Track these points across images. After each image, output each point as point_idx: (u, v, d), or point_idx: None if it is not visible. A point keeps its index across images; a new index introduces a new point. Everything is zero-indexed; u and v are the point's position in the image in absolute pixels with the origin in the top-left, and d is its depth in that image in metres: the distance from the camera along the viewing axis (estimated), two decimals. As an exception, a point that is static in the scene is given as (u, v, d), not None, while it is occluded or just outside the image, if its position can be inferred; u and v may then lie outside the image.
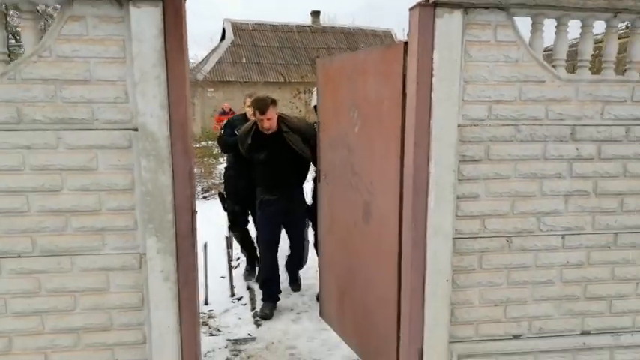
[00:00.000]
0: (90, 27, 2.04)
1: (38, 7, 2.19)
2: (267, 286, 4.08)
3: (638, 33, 2.46)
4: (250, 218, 4.67)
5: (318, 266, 3.78)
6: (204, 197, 8.29)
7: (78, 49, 2.05)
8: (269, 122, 3.72)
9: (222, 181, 5.05)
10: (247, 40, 23.80)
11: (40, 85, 2.06)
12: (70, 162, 2.14)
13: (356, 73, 2.86)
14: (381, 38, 25.48)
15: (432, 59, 2.25)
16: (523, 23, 2.42)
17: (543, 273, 2.55)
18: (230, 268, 4.60)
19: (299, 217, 4.18)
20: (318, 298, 3.97)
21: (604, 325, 2.65)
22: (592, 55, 2.51)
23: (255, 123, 3.87)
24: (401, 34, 23.28)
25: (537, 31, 2.39)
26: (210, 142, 12.04)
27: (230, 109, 13.58)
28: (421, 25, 2.23)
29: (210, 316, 3.98)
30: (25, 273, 2.19)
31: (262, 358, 3.34)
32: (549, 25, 2.45)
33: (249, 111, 4.24)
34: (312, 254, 4.53)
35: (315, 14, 26.11)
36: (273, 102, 3.74)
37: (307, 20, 26.16)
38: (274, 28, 24.96)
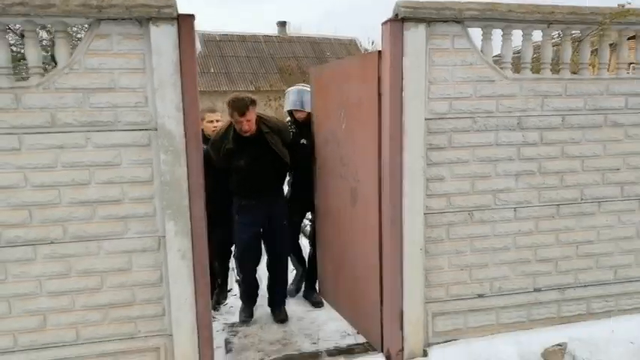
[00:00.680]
0: (114, 43, 2.40)
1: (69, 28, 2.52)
2: (244, 291, 3.90)
3: (567, 40, 2.99)
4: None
5: (317, 250, 4.07)
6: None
7: (104, 62, 2.40)
8: (249, 124, 3.41)
9: None
10: (215, 50, 24.03)
11: (71, 94, 2.40)
12: (97, 159, 2.47)
13: (342, 79, 3.31)
14: (346, 46, 26.12)
15: (402, 65, 2.70)
16: (477, 32, 2.92)
17: (500, 241, 3.03)
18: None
19: (281, 224, 3.77)
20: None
21: (552, 283, 3.16)
22: (533, 57, 3.03)
23: (230, 126, 3.52)
24: (366, 42, 23.97)
25: (487, 40, 2.88)
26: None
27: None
28: (392, 37, 2.68)
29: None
30: (58, 257, 2.51)
31: (258, 336, 3.68)
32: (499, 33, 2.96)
33: (208, 127, 3.85)
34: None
35: (282, 24, 26.58)
36: (253, 102, 3.43)
37: (274, 30, 26.60)
38: (242, 39, 25.27)
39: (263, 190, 3.65)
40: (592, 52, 3.21)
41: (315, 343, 3.45)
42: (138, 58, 2.43)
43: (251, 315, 3.86)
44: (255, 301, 3.95)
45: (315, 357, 3.17)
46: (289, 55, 24.93)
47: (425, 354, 2.96)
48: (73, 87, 2.40)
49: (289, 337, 3.51)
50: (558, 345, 2.94)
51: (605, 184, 3.14)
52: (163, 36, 2.39)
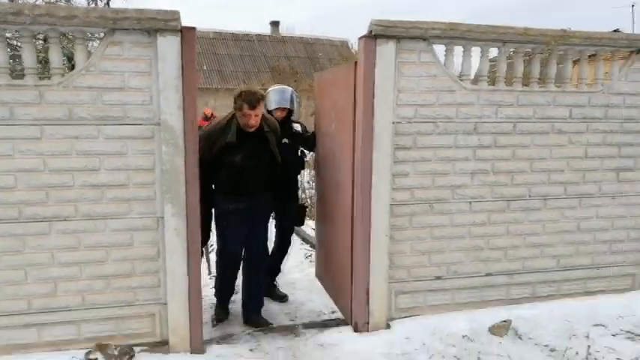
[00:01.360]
0: (126, 49, 2.79)
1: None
2: (221, 298, 3.91)
3: (519, 57, 3.44)
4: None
5: (316, 235, 4.51)
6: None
7: (116, 66, 2.79)
8: (256, 119, 3.36)
9: None
10: (208, 47, 24.33)
11: (87, 92, 2.79)
12: (107, 148, 2.86)
13: (332, 84, 3.77)
14: (338, 48, 26.56)
15: (374, 75, 3.13)
16: (441, 48, 3.35)
17: (456, 230, 3.47)
18: (207, 250, 5.30)
19: (263, 230, 3.76)
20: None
21: (502, 268, 3.60)
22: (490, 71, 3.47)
23: (232, 119, 3.45)
24: (356, 43, 24.37)
25: (449, 55, 3.32)
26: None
27: (212, 114, 13.24)
28: (366, 51, 3.11)
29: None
30: (69, 232, 2.89)
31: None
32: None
33: None
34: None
35: (275, 24, 26.94)
36: (263, 97, 3.42)
37: (267, 30, 26.94)
38: (235, 37, 25.59)
39: (254, 190, 3.56)
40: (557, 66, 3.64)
41: (292, 320, 3.87)
42: (145, 63, 2.82)
43: (227, 313, 3.89)
44: (229, 299, 3.97)
45: (292, 329, 3.58)
46: (281, 54, 25.31)
47: (388, 327, 3.39)
48: (88, 86, 2.78)
49: (271, 316, 3.90)
50: (504, 321, 3.38)
51: (550, 184, 3.59)
52: (168, 45, 2.78)
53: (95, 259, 2.95)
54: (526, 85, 3.50)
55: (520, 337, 3.27)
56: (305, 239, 5.89)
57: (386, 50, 3.12)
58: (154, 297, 3.06)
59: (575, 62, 3.58)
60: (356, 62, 3.26)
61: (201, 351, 3.13)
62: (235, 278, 3.85)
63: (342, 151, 3.52)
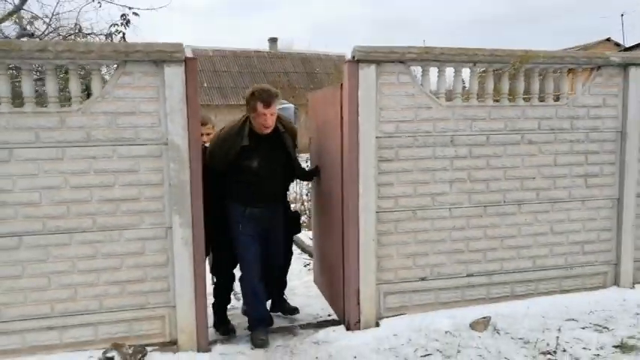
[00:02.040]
0: (136, 79, 3.15)
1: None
2: (256, 308, 3.63)
3: (490, 75, 3.81)
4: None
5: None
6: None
7: (128, 93, 3.15)
8: (271, 119, 3.22)
9: None
10: (208, 65, 24.88)
11: (102, 116, 3.15)
12: (121, 166, 3.21)
13: (323, 103, 4.14)
14: (335, 62, 27.08)
15: (358, 95, 3.48)
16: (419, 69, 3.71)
17: (438, 234, 3.79)
18: (207, 256, 5.61)
19: (281, 233, 3.71)
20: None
21: (481, 269, 3.92)
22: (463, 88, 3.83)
23: (245, 122, 3.32)
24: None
25: (426, 75, 3.68)
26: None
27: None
28: (350, 74, 3.47)
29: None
30: (88, 243, 3.22)
31: (241, 317, 4.35)
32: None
33: (204, 140, 3.67)
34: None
35: (273, 40, 27.52)
36: (277, 96, 3.26)
37: (265, 46, 27.52)
38: (234, 54, 26.17)
39: (271, 196, 3.47)
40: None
41: (291, 323, 4.17)
42: (154, 90, 3.18)
43: (267, 332, 3.66)
44: (267, 312, 3.84)
45: (291, 329, 3.88)
46: (280, 70, 25.87)
47: (377, 325, 3.69)
48: (104, 111, 3.14)
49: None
50: (484, 318, 3.68)
51: (523, 190, 3.93)
52: (174, 74, 3.15)
53: (111, 267, 3.27)
54: (497, 101, 3.85)
55: (498, 332, 3.57)
56: (304, 249, 6.22)
57: (368, 73, 3.48)
58: (164, 300, 3.38)
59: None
60: (342, 84, 3.62)
61: (207, 349, 3.44)
62: (259, 286, 3.65)
63: (333, 164, 3.86)
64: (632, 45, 17.47)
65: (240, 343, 3.66)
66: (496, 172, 3.85)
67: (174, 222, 3.29)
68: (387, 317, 3.74)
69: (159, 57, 3.13)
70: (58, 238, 3.17)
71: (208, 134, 3.79)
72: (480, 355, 3.24)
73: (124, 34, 6.04)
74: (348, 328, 3.71)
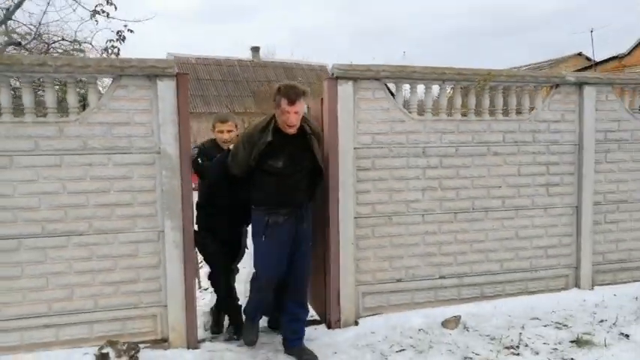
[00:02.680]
0: (131, 92, 3.38)
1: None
2: (256, 310, 3.55)
3: (457, 92, 4.13)
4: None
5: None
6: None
7: (123, 105, 3.38)
8: (296, 117, 3.08)
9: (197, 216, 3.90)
10: (191, 73, 24.99)
11: (99, 127, 3.37)
12: (116, 173, 3.42)
13: (309, 115, 4.35)
14: (317, 72, 27.46)
15: (337, 109, 3.77)
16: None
17: (412, 239, 4.08)
18: (197, 264, 5.81)
19: (308, 242, 3.47)
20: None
21: (453, 272, 4.22)
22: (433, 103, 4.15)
23: (270, 121, 3.19)
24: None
25: (399, 91, 4.00)
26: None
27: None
28: (329, 90, 3.76)
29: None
30: (84, 245, 3.41)
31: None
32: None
33: (218, 137, 3.75)
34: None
35: (255, 49, 27.81)
36: (305, 93, 3.11)
37: (247, 53, 27.78)
38: (217, 62, 26.34)
39: (295, 201, 3.29)
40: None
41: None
42: (147, 102, 3.42)
43: (258, 331, 3.58)
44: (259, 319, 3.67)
45: (275, 329, 4.10)
46: (263, 79, 26.12)
47: (356, 323, 3.95)
48: (100, 122, 3.37)
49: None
50: (454, 316, 3.97)
51: (490, 198, 4.25)
52: (166, 87, 3.39)
53: (106, 268, 3.47)
54: (464, 115, 4.18)
55: (467, 330, 3.86)
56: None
57: (346, 89, 3.77)
58: (156, 300, 3.58)
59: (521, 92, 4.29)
60: (322, 98, 3.90)
61: (196, 347, 3.64)
62: (271, 299, 3.51)
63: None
64: (600, 60, 18.28)
65: (228, 341, 3.87)
66: (465, 181, 4.17)
67: (166, 226, 3.51)
68: (365, 316, 4.00)
69: (152, 72, 3.37)
70: (56, 240, 3.36)
71: (229, 131, 3.72)
72: (450, 350, 3.52)
73: (118, 49, 6.30)
74: (329, 327, 3.96)
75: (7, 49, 7.19)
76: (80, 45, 7.27)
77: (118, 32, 6.31)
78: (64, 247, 3.38)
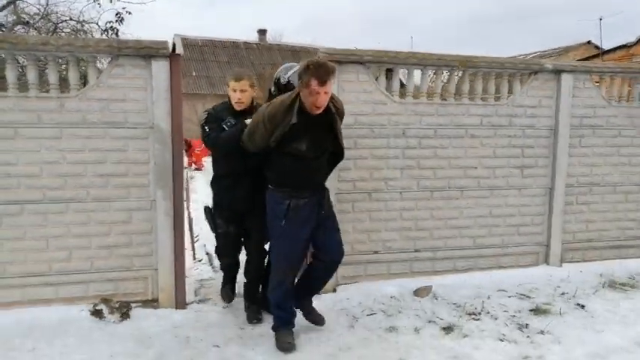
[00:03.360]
0: (127, 70, 3.64)
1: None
2: (284, 309, 3.28)
3: (439, 77, 4.35)
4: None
5: None
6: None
7: (119, 82, 3.64)
8: (325, 98, 2.89)
9: (213, 192, 3.72)
10: (197, 54, 25.19)
11: (97, 102, 3.63)
12: (112, 146, 3.69)
13: None
14: (323, 56, 27.45)
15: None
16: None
17: (390, 214, 4.35)
18: (192, 238, 6.13)
19: (334, 220, 3.34)
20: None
21: (427, 246, 4.49)
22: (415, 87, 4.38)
23: (295, 98, 2.93)
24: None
25: (381, 75, 4.21)
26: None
27: None
28: (314, 71, 3.99)
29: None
30: (82, 211, 3.70)
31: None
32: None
33: (232, 97, 3.36)
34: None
35: (262, 32, 27.86)
36: (334, 71, 2.90)
37: (254, 37, 27.85)
38: (223, 44, 26.49)
39: (316, 184, 3.17)
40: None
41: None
42: (142, 80, 3.67)
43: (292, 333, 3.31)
44: (294, 315, 3.41)
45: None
46: (268, 62, 26.21)
47: (334, 291, 4.24)
48: (98, 98, 3.63)
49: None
50: (426, 286, 4.25)
51: (466, 178, 4.50)
52: (160, 67, 3.64)
53: (102, 233, 3.76)
54: (444, 99, 4.40)
55: (437, 298, 4.14)
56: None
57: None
58: (147, 263, 3.88)
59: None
60: (308, 80, 4.13)
61: (184, 307, 3.96)
62: (291, 293, 3.33)
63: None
64: (609, 49, 18.25)
65: (215, 304, 4.18)
66: (442, 162, 4.41)
67: (157, 196, 3.79)
68: (343, 284, 4.29)
69: (147, 52, 3.62)
70: (56, 207, 3.65)
71: (243, 91, 3.35)
72: (417, 315, 3.81)
73: (117, 30, 6.54)
74: (309, 294, 4.26)
75: (15, 29, 7.45)
76: (84, 26, 7.54)
77: (117, 14, 6.55)
78: (64, 212, 3.67)
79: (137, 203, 3.80)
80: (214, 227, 3.75)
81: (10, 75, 3.52)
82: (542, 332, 3.49)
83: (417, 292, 4.20)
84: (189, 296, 4.20)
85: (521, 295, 4.19)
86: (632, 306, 3.97)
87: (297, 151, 2.98)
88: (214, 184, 3.68)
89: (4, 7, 6.98)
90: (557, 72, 4.58)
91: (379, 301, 4.05)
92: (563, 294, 4.18)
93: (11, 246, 3.61)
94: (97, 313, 3.59)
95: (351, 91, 4.11)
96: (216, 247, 3.99)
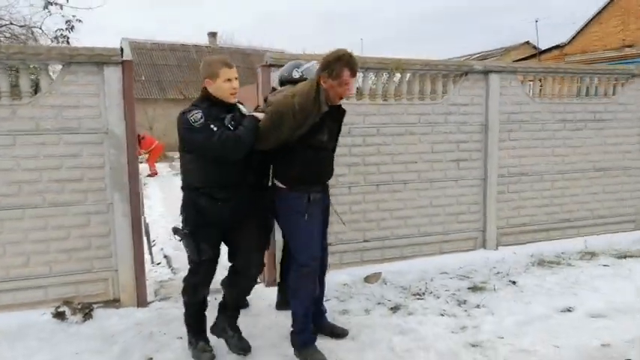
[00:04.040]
0: (80, 77, 3.75)
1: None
2: (307, 328, 3.10)
3: (380, 79, 4.69)
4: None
5: None
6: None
7: (73, 89, 3.74)
8: (352, 89, 2.92)
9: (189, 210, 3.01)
10: (146, 58, 24.73)
11: (50, 109, 3.71)
12: (67, 152, 3.79)
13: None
14: (275, 58, 27.63)
15: (270, 90, 4.25)
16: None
17: (340, 208, 4.56)
18: (149, 242, 6.19)
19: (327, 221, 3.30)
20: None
21: (375, 236, 4.82)
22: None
23: (318, 90, 2.82)
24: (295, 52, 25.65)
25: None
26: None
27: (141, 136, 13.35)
28: (263, 75, 4.25)
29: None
30: (39, 217, 3.76)
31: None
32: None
33: (230, 87, 2.89)
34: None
35: (212, 35, 27.70)
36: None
37: (206, 40, 27.63)
38: (172, 47, 26.13)
39: (329, 175, 3.18)
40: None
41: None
42: (95, 87, 3.79)
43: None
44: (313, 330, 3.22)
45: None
46: (219, 65, 26.10)
47: (290, 282, 4.49)
48: (51, 105, 3.72)
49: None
50: (375, 273, 4.58)
51: (407, 172, 4.86)
52: (112, 73, 3.78)
53: (60, 237, 3.84)
54: (385, 100, 4.75)
55: (386, 284, 4.48)
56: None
57: (275, 74, 4.24)
58: (107, 265, 3.99)
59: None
60: (257, 84, 4.37)
61: (146, 305, 4.09)
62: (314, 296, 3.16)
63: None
64: (544, 49, 19.46)
65: (179, 301, 4.31)
66: (385, 158, 4.76)
67: (114, 199, 3.91)
68: (297, 276, 4.54)
69: (99, 59, 3.75)
70: (13, 213, 3.71)
71: (236, 79, 2.96)
72: (367, 299, 4.13)
73: (67, 37, 6.53)
74: (266, 286, 4.49)
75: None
76: (30, 30, 7.42)
77: (67, 22, 6.55)
78: (20, 218, 3.73)
79: (94, 207, 3.90)
80: (198, 253, 2.96)
81: (-40, 84, 3.55)
82: (478, 306, 3.88)
83: (368, 279, 4.52)
84: (150, 297, 4.34)
85: (461, 276, 4.60)
86: (557, 280, 4.45)
87: (320, 143, 2.94)
88: (197, 198, 2.93)
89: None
90: (486, 72, 5.03)
91: (332, 289, 4.33)
92: (497, 273, 4.61)
93: (-34, 254, 3.64)
94: (59, 315, 3.67)
95: (298, 94, 4.37)
96: (189, 279, 3.11)
